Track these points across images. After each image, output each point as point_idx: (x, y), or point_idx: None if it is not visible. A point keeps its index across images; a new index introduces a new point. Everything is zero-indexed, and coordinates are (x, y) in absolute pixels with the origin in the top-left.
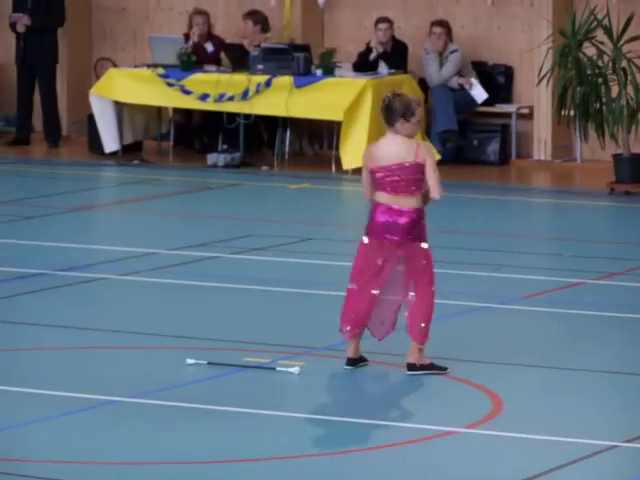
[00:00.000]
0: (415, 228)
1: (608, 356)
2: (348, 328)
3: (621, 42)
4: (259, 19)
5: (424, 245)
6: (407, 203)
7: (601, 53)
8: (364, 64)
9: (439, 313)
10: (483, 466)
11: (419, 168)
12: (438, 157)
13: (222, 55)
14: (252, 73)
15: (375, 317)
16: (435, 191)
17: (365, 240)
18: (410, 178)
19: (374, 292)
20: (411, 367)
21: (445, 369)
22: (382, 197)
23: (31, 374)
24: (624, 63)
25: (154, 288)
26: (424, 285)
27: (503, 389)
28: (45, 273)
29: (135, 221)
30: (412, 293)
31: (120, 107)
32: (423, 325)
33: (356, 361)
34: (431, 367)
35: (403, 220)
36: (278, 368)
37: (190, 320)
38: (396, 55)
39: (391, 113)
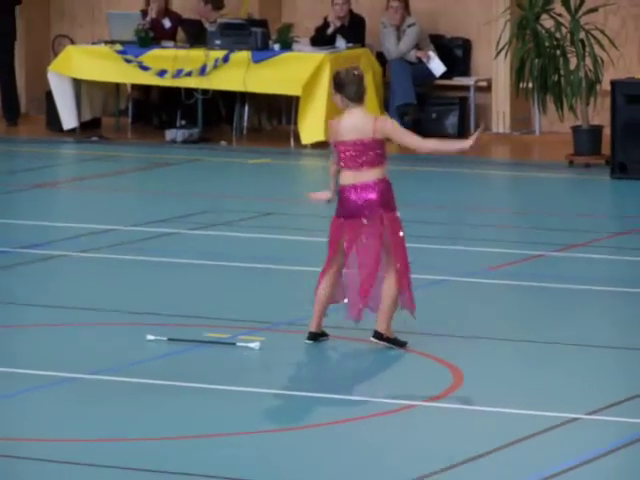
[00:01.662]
0: (385, 199)
1: (569, 328)
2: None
3: (579, 14)
4: None
5: (397, 214)
6: (371, 176)
7: (559, 25)
8: (322, 39)
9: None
10: (444, 440)
11: (377, 143)
12: None
13: (179, 30)
14: (210, 48)
15: (353, 294)
16: (418, 143)
17: (336, 219)
18: (370, 153)
19: (343, 270)
20: (378, 335)
21: (405, 344)
22: (346, 177)
23: None
24: (582, 35)
25: (114, 265)
26: (402, 255)
27: (464, 362)
28: (5, 251)
29: (94, 198)
30: (398, 264)
31: (78, 84)
32: (407, 294)
33: (317, 335)
34: (395, 341)
35: (372, 195)
36: (238, 344)
37: (150, 296)
38: (354, 29)
39: (362, 87)
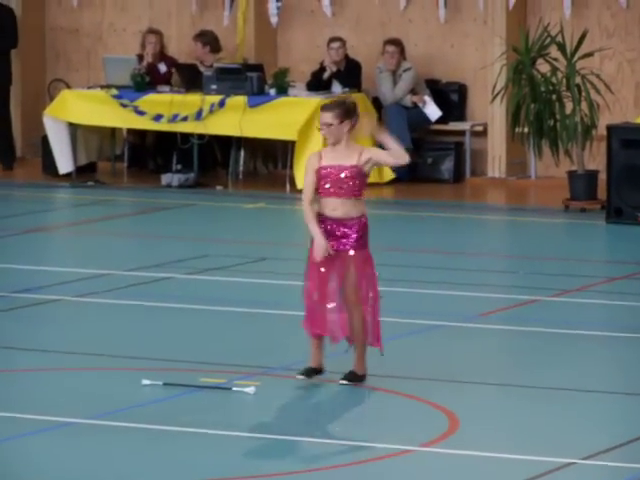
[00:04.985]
0: (362, 235)
1: (564, 373)
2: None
3: (575, 58)
4: (208, 40)
5: (368, 252)
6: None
7: (555, 70)
8: (318, 83)
9: (395, 332)
10: None
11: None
12: (392, 176)
13: (174, 75)
14: (206, 93)
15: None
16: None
17: (311, 248)
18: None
19: (320, 299)
20: (353, 377)
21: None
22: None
23: None
24: (578, 79)
25: (109, 309)
26: (374, 291)
27: (459, 407)
28: (0, 295)
29: (89, 242)
30: (371, 294)
31: (74, 128)
32: (380, 332)
33: (315, 371)
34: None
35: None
36: (234, 388)
37: (145, 341)
38: (349, 74)
39: None
